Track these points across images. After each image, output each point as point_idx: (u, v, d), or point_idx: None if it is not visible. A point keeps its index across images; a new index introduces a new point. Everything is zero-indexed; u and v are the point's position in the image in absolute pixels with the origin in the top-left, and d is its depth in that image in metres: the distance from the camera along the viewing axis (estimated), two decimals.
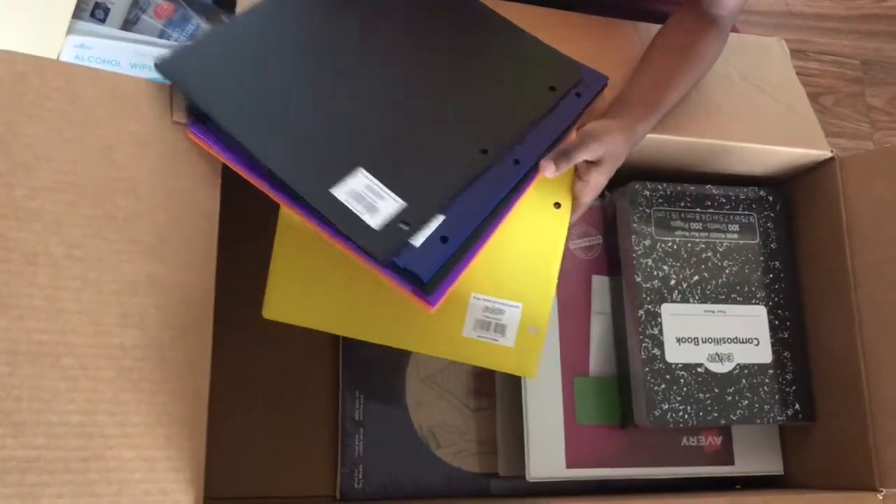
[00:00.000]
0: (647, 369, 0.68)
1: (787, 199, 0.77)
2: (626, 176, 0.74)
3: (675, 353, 0.69)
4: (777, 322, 0.73)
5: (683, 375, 0.68)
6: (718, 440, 0.74)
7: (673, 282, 0.71)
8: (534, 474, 0.68)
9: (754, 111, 0.73)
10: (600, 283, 0.74)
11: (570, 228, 0.64)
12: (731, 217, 0.74)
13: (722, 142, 0.70)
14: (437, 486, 0.73)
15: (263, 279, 0.75)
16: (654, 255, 0.71)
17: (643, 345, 0.68)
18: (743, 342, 0.71)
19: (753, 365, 0.71)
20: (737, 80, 0.74)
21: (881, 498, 0.65)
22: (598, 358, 0.72)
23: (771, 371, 0.71)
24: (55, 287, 0.48)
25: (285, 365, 0.74)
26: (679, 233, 0.72)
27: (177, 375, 0.51)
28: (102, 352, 0.49)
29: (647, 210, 0.72)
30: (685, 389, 0.68)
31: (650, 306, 0.70)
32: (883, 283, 0.69)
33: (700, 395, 0.68)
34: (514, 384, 0.72)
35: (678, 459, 0.72)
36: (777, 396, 0.71)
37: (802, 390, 0.72)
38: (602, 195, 0.76)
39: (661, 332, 0.69)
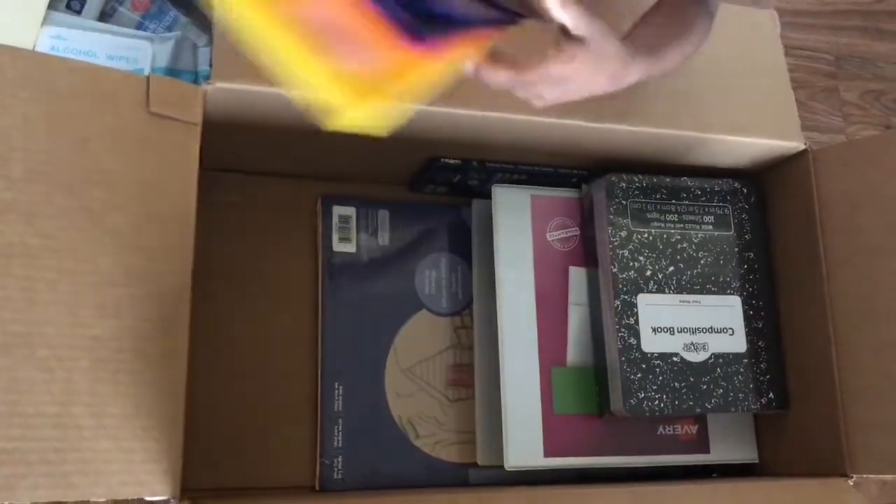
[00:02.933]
0: (623, 359, 0.69)
1: (761, 191, 0.78)
2: (603, 168, 0.75)
3: (651, 343, 0.70)
4: (751, 312, 0.74)
5: (659, 365, 0.69)
6: (694, 429, 0.75)
7: (649, 272, 0.71)
8: (512, 463, 0.69)
9: (733, 99, 0.73)
10: (577, 275, 0.74)
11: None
12: (707, 209, 0.75)
13: (697, 134, 0.71)
14: (417, 476, 0.73)
15: (241, 273, 0.75)
16: (630, 247, 0.71)
17: (619, 335, 0.69)
18: (718, 332, 0.72)
19: (728, 354, 0.72)
20: (722, 59, 0.74)
21: (852, 483, 0.67)
22: (575, 348, 0.73)
23: (745, 360, 0.72)
24: (30, 278, 0.48)
25: (264, 356, 0.74)
26: (655, 224, 0.73)
27: (154, 366, 0.51)
28: (79, 343, 0.49)
29: (623, 202, 0.73)
30: (661, 378, 0.69)
31: (626, 297, 0.70)
32: (854, 273, 0.70)
33: (675, 384, 0.69)
34: (492, 375, 0.72)
35: (654, 448, 0.73)
36: (751, 385, 0.72)
37: (776, 379, 0.73)
38: (580, 187, 0.76)
39: (636, 322, 0.70)
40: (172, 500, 0.50)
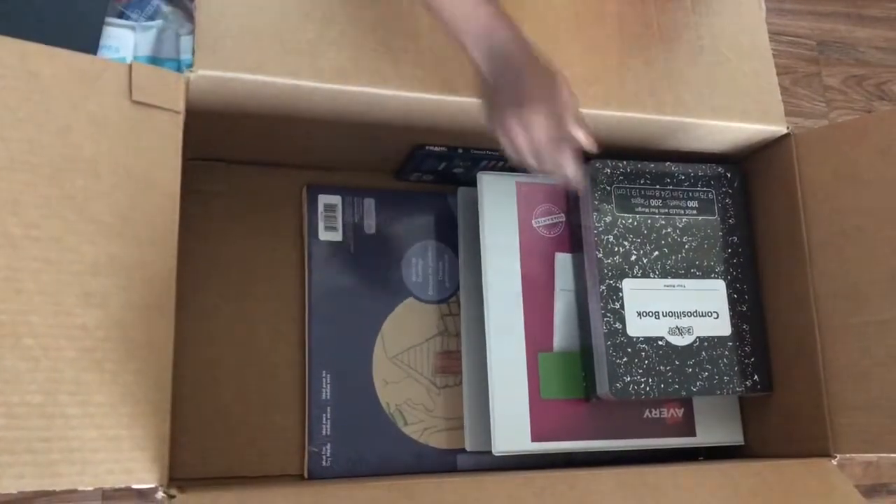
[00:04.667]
0: (609, 343, 0.69)
1: (745, 176, 0.78)
2: (587, 154, 0.75)
3: (636, 327, 0.70)
4: (735, 296, 0.74)
5: (644, 348, 0.70)
6: (680, 412, 0.76)
7: (633, 257, 0.72)
8: (499, 448, 0.69)
9: (717, 84, 0.73)
10: (563, 261, 0.75)
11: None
12: (690, 194, 0.75)
13: (680, 119, 0.71)
14: (405, 463, 0.73)
15: (227, 263, 0.75)
16: (615, 232, 0.72)
17: (605, 319, 0.70)
18: (702, 316, 0.72)
19: (713, 338, 0.72)
20: (706, 43, 0.74)
21: (835, 463, 0.67)
22: (561, 334, 0.73)
23: (730, 343, 0.73)
24: (14, 268, 0.48)
25: (251, 345, 0.74)
26: (639, 210, 0.73)
27: (140, 355, 0.51)
28: (64, 332, 0.48)
29: (608, 188, 0.73)
30: (646, 362, 0.70)
31: (612, 281, 0.71)
32: (836, 255, 0.70)
33: (661, 367, 0.70)
34: (480, 361, 0.73)
35: (641, 432, 0.74)
36: (736, 368, 0.72)
37: (760, 362, 0.73)
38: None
39: (622, 306, 0.70)
40: (159, 488, 0.50)
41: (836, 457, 0.68)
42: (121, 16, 0.96)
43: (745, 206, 0.77)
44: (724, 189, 0.77)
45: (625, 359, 0.69)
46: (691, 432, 0.76)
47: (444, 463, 0.75)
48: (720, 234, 0.75)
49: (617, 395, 0.69)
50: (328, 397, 0.73)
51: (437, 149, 0.74)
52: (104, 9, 0.88)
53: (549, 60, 0.57)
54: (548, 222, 0.75)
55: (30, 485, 0.46)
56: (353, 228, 0.77)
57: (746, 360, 0.73)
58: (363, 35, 0.63)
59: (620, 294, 0.71)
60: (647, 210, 0.74)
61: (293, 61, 0.61)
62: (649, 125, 0.71)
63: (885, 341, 0.66)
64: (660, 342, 0.70)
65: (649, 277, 0.72)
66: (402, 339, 0.76)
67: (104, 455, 0.48)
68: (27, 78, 0.51)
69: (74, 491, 0.48)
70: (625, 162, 0.74)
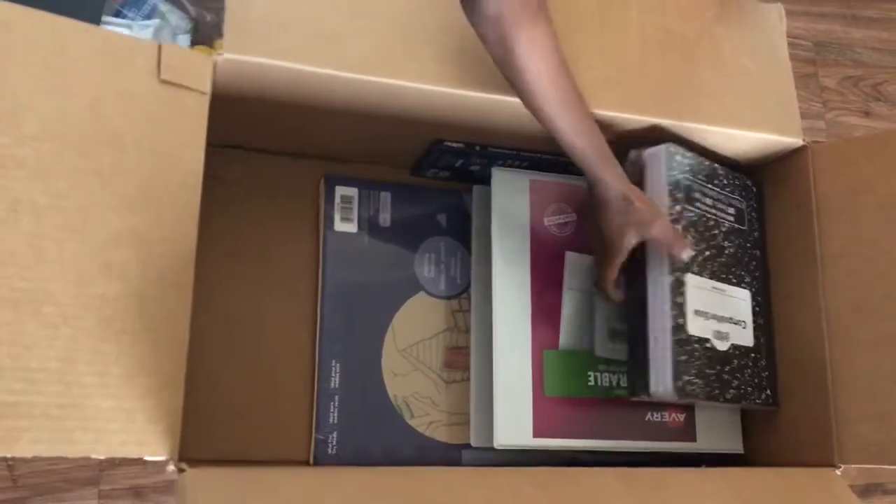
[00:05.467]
0: (674, 339, 0.66)
1: (761, 186, 0.79)
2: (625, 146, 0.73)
3: (693, 326, 0.67)
4: (757, 308, 0.74)
5: (698, 349, 0.67)
6: (682, 417, 0.76)
7: (693, 252, 0.68)
8: (500, 441, 0.69)
9: (735, 93, 0.74)
10: (573, 260, 0.75)
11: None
12: (730, 200, 0.75)
13: (698, 125, 0.72)
14: (410, 455, 0.74)
15: (242, 250, 0.76)
16: (683, 224, 0.69)
17: (672, 313, 0.66)
18: (735, 323, 0.71)
19: (742, 347, 0.71)
20: (727, 52, 0.75)
21: (839, 473, 0.68)
22: (568, 332, 0.74)
23: (753, 355, 0.72)
24: (38, 235, 0.49)
25: (263, 332, 0.75)
26: (698, 204, 0.71)
27: (157, 328, 0.51)
28: (84, 301, 0.49)
29: (678, 175, 0.70)
30: (698, 363, 0.67)
31: (679, 274, 0.67)
32: (848, 268, 0.71)
33: (708, 370, 0.67)
34: (488, 358, 0.73)
35: (642, 434, 0.74)
36: (755, 380, 0.72)
37: (772, 377, 0.74)
38: (581, 174, 0.77)
39: (684, 301, 0.67)
40: (171, 461, 0.50)
41: (840, 467, 0.68)
42: (117, 14, 0.97)
43: (762, 219, 0.78)
44: (750, 202, 0.77)
45: (684, 357, 0.66)
46: (692, 438, 0.76)
47: (449, 457, 0.75)
48: (748, 245, 0.75)
49: (678, 394, 0.65)
50: (336, 386, 0.73)
51: (454, 145, 0.75)
52: (101, 7, 0.89)
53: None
54: (559, 221, 0.76)
55: (45, 450, 0.46)
56: (368, 221, 0.78)
57: (762, 374, 0.72)
58: (389, 28, 0.64)
59: (684, 289, 0.67)
60: (703, 206, 0.71)
61: (319, 49, 0.62)
62: (667, 130, 0.72)
63: (893, 354, 0.67)
64: (707, 344, 0.68)
65: (702, 276, 0.69)
66: (412, 332, 0.77)
67: (118, 425, 0.49)
68: (59, 52, 0.52)
69: (87, 458, 0.49)
70: (690, 153, 0.72)
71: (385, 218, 0.79)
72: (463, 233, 0.80)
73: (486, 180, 0.77)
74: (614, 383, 0.75)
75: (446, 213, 0.81)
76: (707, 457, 0.78)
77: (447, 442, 0.75)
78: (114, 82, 0.53)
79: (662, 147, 0.70)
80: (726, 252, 0.72)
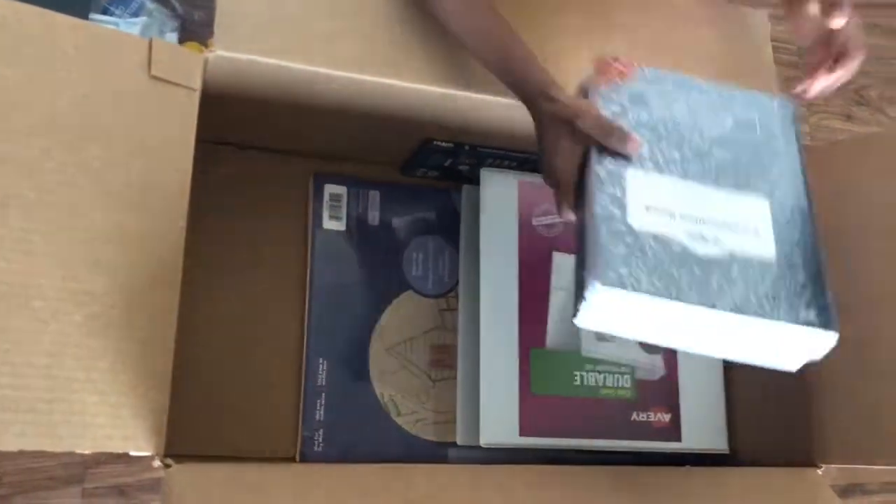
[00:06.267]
0: (604, 227, 0.55)
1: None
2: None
3: (641, 220, 0.57)
4: (784, 218, 0.61)
5: (653, 246, 0.56)
6: (667, 417, 0.77)
7: (645, 151, 0.61)
8: (486, 440, 0.70)
9: None
10: (560, 260, 0.76)
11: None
12: (725, 108, 0.66)
13: None
14: (396, 453, 0.74)
15: (230, 246, 0.76)
16: (624, 122, 0.61)
17: (600, 202, 0.57)
18: (736, 231, 0.59)
19: (750, 258, 0.58)
20: (715, 57, 0.76)
21: (821, 473, 0.68)
22: (555, 331, 0.74)
23: (776, 270, 0.58)
24: (27, 230, 0.49)
25: (251, 329, 0.75)
26: (657, 110, 0.64)
27: (144, 325, 0.51)
28: (72, 297, 0.49)
29: (620, 81, 0.64)
30: (653, 261, 0.55)
31: (613, 167, 0.59)
32: (832, 270, 0.71)
33: (674, 270, 0.55)
34: (475, 357, 0.73)
35: (627, 433, 0.75)
36: (783, 295, 0.56)
37: (817, 295, 0.57)
38: None
39: (623, 195, 0.58)
40: (156, 457, 0.50)
41: (821, 467, 0.69)
42: (105, 12, 0.97)
43: (796, 132, 0.67)
44: (771, 113, 0.67)
45: (623, 249, 0.55)
46: (677, 437, 0.77)
47: (435, 455, 0.75)
48: (762, 152, 0.64)
49: (606, 284, 0.52)
50: (323, 383, 0.74)
51: (444, 144, 0.75)
52: (88, 3, 0.89)
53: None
54: (547, 221, 0.76)
55: (31, 444, 0.46)
56: (356, 219, 0.78)
57: (800, 290, 0.57)
58: (380, 28, 0.64)
59: (623, 182, 0.58)
60: (667, 111, 0.64)
61: (309, 48, 0.62)
62: None
63: (875, 356, 0.67)
64: (674, 244, 0.57)
65: (664, 174, 0.60)
66: (400, 330, 0.77)
67: (104, 420, 0.49)
68: (50, 47, 0.52)
69: (72, 453, 0.49)
70: (647, 67, 0.66)
71: (374, 216, 0.79)
72: (451, 232, 0.80)
73: (475, 180, 0.77)
74: (600, 383, 0.75)
75: (435, 213, 0.81)
76: (692, 456, 0.79)
77: (434, 440, 0.76)
78: (104, 78, 0.53)
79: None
80: (716, 157, 0.63)
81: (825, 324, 0.56)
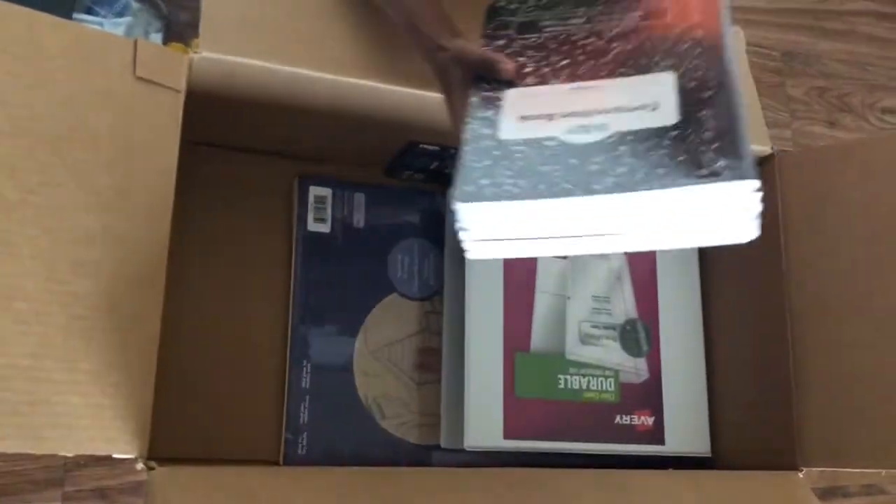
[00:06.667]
0: (467, 148, 0.50)
1: None
2: None
3: (514, 131, 0.52)
4: (693, 84, 0.52)
5: (522, 150, 0.50)
6: (651, 420, 0.77)
7: (528, 69, 0.57)
8: (470, 443, 0.70)
9: None
10: (545, 263, 0.76)
11: None
12: (633, 5, 0.60)
13: None
14: (380, 456, 0.74)
15: (214, 248, 0.76)
16: (509, 51, 0.59)
17: (469, 126, 0.53)
18: (629, 110, 0.52)
19: (643, 130, 0.50)
20: None
21: (801, 476, 0.69)
22: (539, 335, 0.74)
23: (675, 132, 0.49)
24: (9, 231, 0.48)
25: (235, 331, 0.74)
26: (548, 30, 0.60)
27: (128, 326, 0.51)
28: (55, 298, 0.49)
29: (512, 19, 0.62)
30: (521, 163, 0.49)
31: (489, 92, 0.55)
32: (813, 274, 0.72)
33: (544, 167, 0.48)
34: (459, 360, 0.73)
35: (611, 437, 0.75)
36: (683, 157, 0.47)
37: (734, 145, 0.46)
38: None
39: (497, 113, 0.53)
40: (139, 459, 0.50)
41: (802, 470, 0.69)
42: (88, 11, 0.96)
43: (724, 6, 0.56)
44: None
45: (487, 162, 0.49)
46: (660, 441, 0.77)
47: (419, 458, 0.75)
48: (674, 30, 0.57)
49: (463, 200, 0.47)
50: (307, 386, 0.73)
51: (429, 147, 0.75)
52: (71, 3, 0.89)
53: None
54: None
55: (13, 446, 0.46)
56: (341, 221, 0.78)
57: (704, 147, 0.47)
58: (366, 32, 0.64)
59: (498, 103, 0.54)
60: (561, 26, 0.60)
61: (295, 50, 0.62)
62: None
63: (855, 360, 0.68)
64: (548, 142, 0.51)
65: (549, 83, 0.56)
66: (384, 333, 0.77)
67: (87, 422, 0.48)
68: (33, 47, 0.52)
69: (55, 456, 0.48)
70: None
71: (359, 219, 0.79)
72: (436, 235, 0.80)
73: None
74: (584, 386, 0.75)
75: (420, 215, 0.81)
76: (675, 459, 0.80)
77: (418, 443, 0.76)
78: (88, 78, 0.53)
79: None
80: (615, 50, 0.57)
81: (735, 174, 0.45)
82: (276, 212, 0.78)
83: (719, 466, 0.79)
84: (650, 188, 0.44)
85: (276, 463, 0.72)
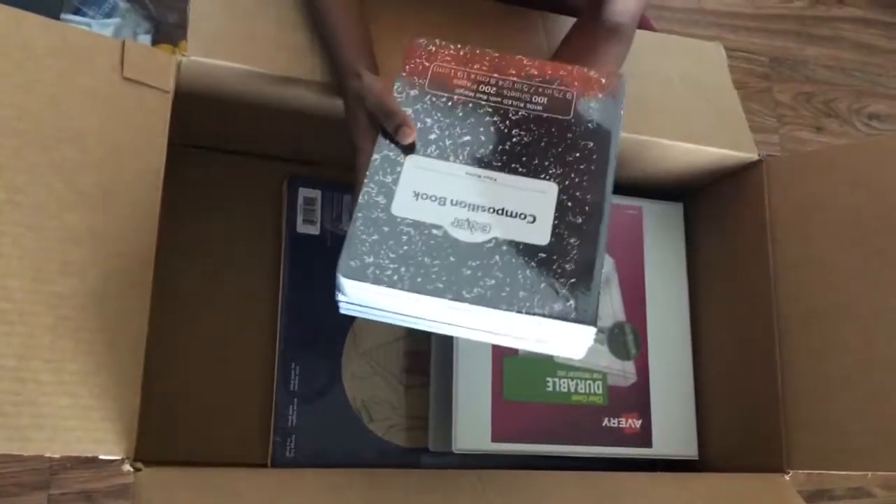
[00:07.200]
0: (360, 214, 0.53)
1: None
2: None
3: (406, 207, 0.55)
4: (570, 204, 0.57)
5: (410, 233, 0.54)
6: (638, 423, 0.77)
7: (433, 136, 0.58)
8: (459, 446, 0.70)
9: (688, 112, 0.76)
10: None
11: None
12: (541, 90, 0.62)
13: (654, 138, 0.73)
14: (369, 459, 0.74)
15: (203, 250, 0.75)
16: (418, 107, 0.60)
17: (367, 189, 0.55)
18: (511, 216, 0.56)
19: (518, 243, 0.54)
20: (675, 81, 0.78)
21: (788, 479, 0.69)
22: None
23: (542, 255, 0.54)
24: None
25: (223, 333, 0.74)
26: (460, 91, 0.61)
27: (115, 327, 0.51)
28: (41, 298, 0.49)
29: (427, 63, 0.62)
30: (406, 248, 0.53)
31: (390, 153, 0.57)
32: (800, 279, 0.73)
33: (426, 258, 0.53)
34: (448, 363, 0.73)
35: (599, 439, 0.75)
36: (543, 285, 0.52)
37: (582, 286, 0.53)
38: None
39: (395, 182, 0.56)
40: (126, 460, 0.50)
41: (789, 473, 0.70)
42: (77, 12, 0.96)
43: (617, 117, 0.62)
44: (595, 94, 0.62)
45: (376, 237, 0.53)
46: (648, 443, 0.78)
47: (408, 461, 0.75)
48: (569, 135, 0.60)
49: (346, 275, 0.51)
50: (296, 388, 0.73)
51: None
52: (60, 4, 0.88)
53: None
54: None
55: None
56: (331, 223, 0.78)
57: (563, 280, 0.53)
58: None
59: (398, 169, 0.56)
60: (471, 94, 0.61)
61: (284, 56, 0.63)
62: (622, 143, 0.73)
63: (841, 364, 0.69)
64: (435, 231, 0.54)
65: (447, 161, 0.57)
66: (373, 336, 0.77)
67: (74, 423, 0.48)
68: (21, 47, 0.51)
69: (41, 457, 0.48)
70: (461, 45, 0.63)
71: (348, 220, 0.79)
72: None
73: None
74: (572, 389, 0.76)
75: None
76: (662, 462, 0.80)
77: (406, 446, 0.75)
78: (76, 79, 0.53)
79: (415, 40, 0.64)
80: (513, 140, 0.59)
81: (581, 318, 0.52)
82: (264, 214, 0.78)
83: (707, 469, 0.79)
84: (509, 309, 0.51)
85: (264, 465, 0.72)
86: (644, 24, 0.87)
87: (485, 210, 0.55)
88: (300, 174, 0.79)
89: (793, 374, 0.71)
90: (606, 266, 0.81)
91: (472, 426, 0.71)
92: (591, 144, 0.60)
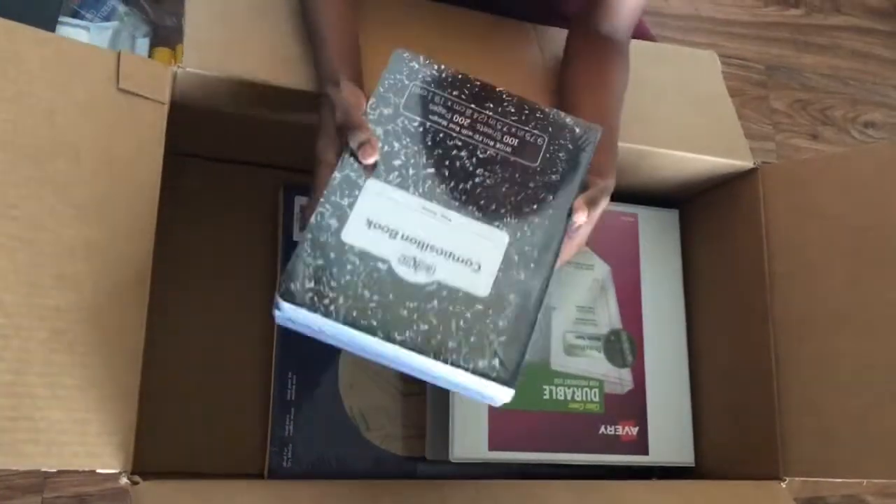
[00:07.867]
0: (310, 236, 0.53)
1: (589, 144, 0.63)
2: None
3: (356, 235, 0.54)
4: (517, 258, 0.56)
5: (355, 263, 0.53)
6: (635, 431, 0.77)
7: (397, 162, 0.57)
8: (457, 455, 0.70)
9: (683, 121, 0.76)
10: None
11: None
12: (514, 130, 0.61)
13: (649, 147, 0.73)
14: (365, 468, 0.74)
15: (199, 260, 0.75)
16: (389, 127, 0.59)
17: (321, 210, 0.54)
18: (457, 260, 0.55)
19: (458, 291, 0.54)
20: (669, 90, 0.78)
21: (784, 486, 0.70)
22: None
23: (479, 307, 0.54)
24: None
25: (219, 343, 0.74)
26: (433, 118, 0.60)
27: (111, 340, 0.51)
28: (36, 312, 0.49)
29: (407, 82, 0.61)
30: (348, 278, 0.52)
31: (353, 174, 0.56)
32: (795, 286, 0.73)
33: (366, 292, 0.52)
34: None
35: (595, 447, 0.75)
36: (473, 339, 0.53)
37: (511, 348, 0.53)
38: None
39: (350, 205, 0.55)
40: (123, 474, 0.50)
41: (785, 480, 0.70)
42: (75, 15, 0.96)
43: (580, 172, 0.61)
44: (565, 144, 0.61)
45: (321, 261, 0.52)
46: (644, 451, 0.78)
47: (404, 470, 0.75)
48: (531, 185, 0.59)
49: (284, 298, 0.51)
50: (293, 398, 0.73)
51: None
52: (58, 8, 0.88)
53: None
54: None
55: None
56: None
57: (493, 337, 0.53)
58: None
59: (356, 192, 0.55)
60: (444, 122, 0.60)
61: (279, 67, 0.63)
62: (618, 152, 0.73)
63: (837, 371, 0.69)
64: (380, 264, 0.54)
65: (407, 190, 0.57)
66: None
67: (70, 437, 0.48)
68: (15, 59, 0.51)
69: (38, 472, 0.48)
70: (445, 67, 0.63)
71: None
72: None
73: None
74: (569, 397, 0.76)
75: None
76: (659, 469, 0.80)
77: (403, 455, 0.75)
78: (71, 90, 0.53)
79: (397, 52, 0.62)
80: (475, 180, 0.59)
81: (502, 378, 0.52)
82: (260, 222, 0.78)
83: (703, 476, 0.79)
84: (436, 359, 0.51)
85: (261, 476, 0.72)
86: (641, 30, 0.87)
87: (433, 250, 0.55)
88: (295, 182, 0.79)
89: (788, 382, 0.72)
90: (603, 273, 0.81)
91: (469, 435, 0.71)
92: (551, 198, 0.60)
